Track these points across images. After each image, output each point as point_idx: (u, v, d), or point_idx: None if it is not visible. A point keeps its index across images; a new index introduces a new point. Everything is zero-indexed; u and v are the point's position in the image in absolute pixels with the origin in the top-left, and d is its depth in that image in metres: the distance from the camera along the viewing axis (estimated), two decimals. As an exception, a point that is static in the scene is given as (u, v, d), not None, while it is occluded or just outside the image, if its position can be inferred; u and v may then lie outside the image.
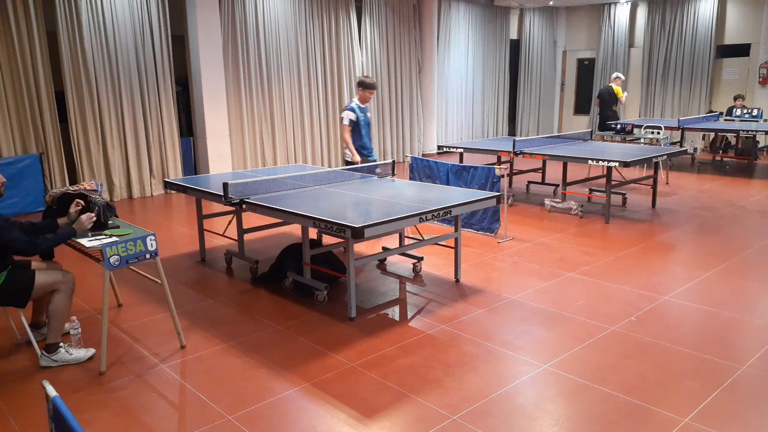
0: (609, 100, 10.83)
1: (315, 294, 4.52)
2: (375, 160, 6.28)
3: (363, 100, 6.08)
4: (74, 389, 3.28)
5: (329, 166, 10.17)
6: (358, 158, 6.00)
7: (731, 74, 12.65)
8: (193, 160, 9.50)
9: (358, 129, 6.05)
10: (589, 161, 6.79)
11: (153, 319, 4.23)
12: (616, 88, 10.69)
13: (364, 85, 6.05)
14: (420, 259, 5.18)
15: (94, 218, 3.59)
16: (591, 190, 7.99)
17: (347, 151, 6.17)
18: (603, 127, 10.87)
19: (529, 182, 8.83)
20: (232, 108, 9.40)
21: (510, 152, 7.55)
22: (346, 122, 6.03)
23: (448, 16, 12.50)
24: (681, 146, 10.42)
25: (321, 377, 3.37)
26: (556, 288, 4.73)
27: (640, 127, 10.55)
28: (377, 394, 3.19)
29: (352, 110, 6.03)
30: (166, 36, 8.65)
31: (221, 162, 9.26)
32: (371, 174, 5.68)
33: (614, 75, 10.92)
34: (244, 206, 4.62)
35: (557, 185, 8.19)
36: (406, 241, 5.31)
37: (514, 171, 8.51)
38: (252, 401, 3.14)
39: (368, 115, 6.26)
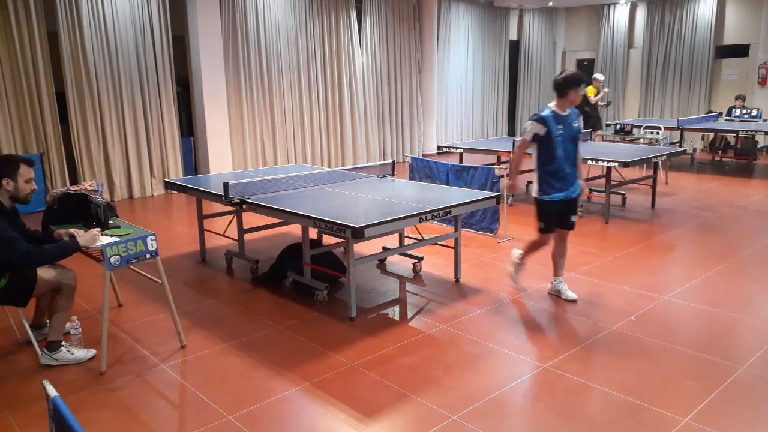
0: (583, 100, 10.96)
1: (315, 294, 4.52)
2: (573, 198, 4.32)
3: (565, 105, 4.25)
4: (74, 389, 3.29)
5: (329, 167, 10.17)
6: (513, 183, 4.49)
7: (730, 75, 12.66)
8: (193, 160, 9.51)
9: (550, 147, 4.20)
10: (589, 161, 6.79)
11: (153, 319, 4.24)
12: (590, 88, 10.73)
13: (572, 83, 4.17)
14: (420, 259, 5.19)
15: (99, 235, 3.51)
16: (590, 190, 7.99)
17: (536, 187, 4.35)
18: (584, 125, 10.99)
19: (529, 182, 8.82)
20: (233, 108, 9.40)
21: (510, 152, 7.55)
22: (526, 136, 4.29)
23: (448, 17, 12.51)
24: (680, 146, 10.42)
25: (321, 377, 3.37)
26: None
27: (639, 127, 10.55)
28: (377, 394, 3.20)
29: (542, 120, 4.17)
30: (166, 36, 8.65)
31: (221, 162, 9.27)
32: (371, 174, 5.66)
33: (594, 75, 11.00)
34: (244, 206, 4.63)
35: (557, 185, 8.17)
36: (406, 241, 5.31)
37: (513, 171, 8.49)
38: (252, 401, 3.14)
39: (575, 125, 4.29)
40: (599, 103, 11.00)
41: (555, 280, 4.55)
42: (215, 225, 6.06)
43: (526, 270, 4.85)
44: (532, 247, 4.55)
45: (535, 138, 4.23)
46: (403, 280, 5.04)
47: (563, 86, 4.18)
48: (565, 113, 4.25)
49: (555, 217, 4.34)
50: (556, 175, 4.26)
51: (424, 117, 12.53)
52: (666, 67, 13.19)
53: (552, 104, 4.28)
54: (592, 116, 10.89)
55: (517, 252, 4.70)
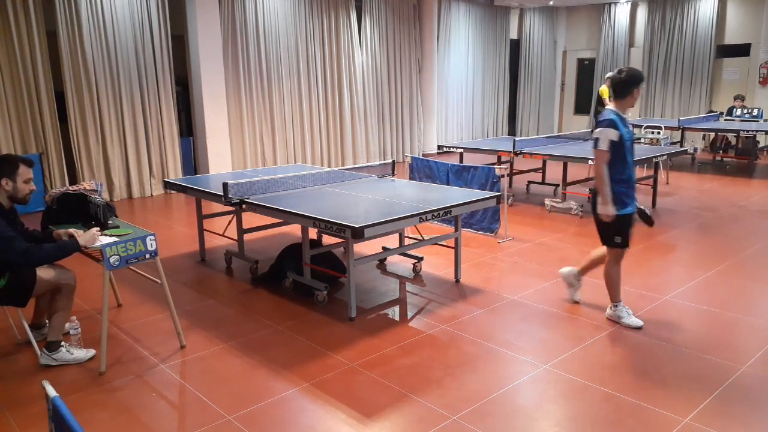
0: (598, 100, 10.85)
1: (315, 294, 4.52)
2: (631, 213, 3.95)
3: (626, 106, 3.89)
4: (74, 389, 3.28)
5: (329, 166, 10.16)
6: (612, 211, 3.85)
7: (731, 74, 12.65)
8: (192, 160, 9.50)
9: (621, 153, 3.82)
10: (589, 161, 6.78)
11: (153, 319, 4.23)
12: (603, 89, 10.66)
13: (636, 80, 3.81)
14: (420, 259, 5.18)
15: (99, 235, 3.51)
16: (591, 190, 7.97)
17: (600, 200, 3.91)
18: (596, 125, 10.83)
19: (529, 182, 8.83)
20: (232, 108, 9.40)
21: (510, 152, 7.55)
22: (603, 146, 3.77)
23: (448, 16, 12.50)
24: (681, 146, 10.41)
25: (321, 377, 3.37)
26: (556, 288, 4.73)
27: (640, 126, 10.54)
28: (377, 394, 3.19)
29: (614, 124, 3.76)
30: (166, 36, 8.65)
31: (221, 162, 9.26)
32: (371, 174, 5.65)
33: (606, 75, 10.89)
34: (243, 206, 4.62)
35: (557, 185, 8.18)
36: (406, 241, 5.31)
37: (514, 171, 8.50)
38: (252, 401, 3.14)
39: (630, 128, 3.97)
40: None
41: (616, 305, 4.09)
42: (215, 225, 6.06)
43: (527, 271, 4.81)
44: (615, 272, 4.06)
45: (612, 146, 3.77)
46: (403, 280, 5.03)
47: (628, 84, 3.80)
48: (625, 115, 3.91)
49: (630, 229, 3.96)
50: (629, 184, 3.88)
51: (424, 117, 12.52)
52: (667, 66, 13.18)
53: (611, 106, 3.88)
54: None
55: (610, 310, 4.12)
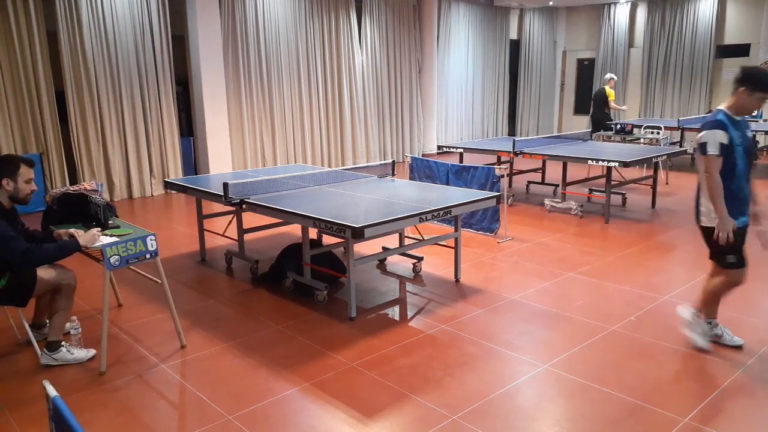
0: (600, 101, 10.82)
1: (315, 294, 4.52)
2: (747, 225, 3.55)
3: (743, 110, 3.42)
4: (74, 389, 3.28)
5: (329, 167, 10.17)
6: (731, 226, 3.41)
7: (731, 74, 12.64)
8: (193, 160, 9.50)
9: (730, 159, 3.34)
10: (589, 161, 6.79)
11: (153, 319, 4.23)
12: (609, 90, 10.65)
13: (745, 81, 3.34)
14: (420, 259, 5.19)
15: (99, 235, 3.51)
16: (591, 190, 7.99)
17: (710, 213, 3.45)
18: (594, 128, 10.76)
19: (529, 182, 8.83)
20: (232, 108, 9.40)
21: (510, 152, 7.55)
22: (713, 150, 3.30)
23: (448, 16, 12.50)
24: (681, 146, 10.42)
25: (321, 377, 3.37)
26: (556, 288, 4.73)
27: (639, 127, 10.54)
28: (377, 394, 3.19)
29: (722, 126, 3.32)
30: (166, 36, 8.65)
31: (221, 162, 9.27)
32: (371, 174, 5.65)
33: (608, 76, 10.90)
34: (244, 206, 4.63)
35: (557, 185, 8.19)
36: (406, 241, 5.31)
37: (514, 171, 8.51)
38: (252, 401, 3.14)
39: (749, 134, 3.51)
40: (620, 107, 10.90)
41: (709, 322, 3.69)
42: (215, 225, 6.06)
43: (527, 271, 4.80)
44: (718, 293, 3.63)
45: (722, 151, 3.30)
46: (403, 280, 5.03)
47: (736, 81, 3.36)
48: (739, 118, 3.43)
49: (742, 246, 3.50)
50: (737, 196, 3.39)
51: (424, 117, 12.52)
52: (666, 66, 13.18)
53: (723, 105, 3.44)
54: (605, 117, 10.82)
55: (686, 312, 3.75)
